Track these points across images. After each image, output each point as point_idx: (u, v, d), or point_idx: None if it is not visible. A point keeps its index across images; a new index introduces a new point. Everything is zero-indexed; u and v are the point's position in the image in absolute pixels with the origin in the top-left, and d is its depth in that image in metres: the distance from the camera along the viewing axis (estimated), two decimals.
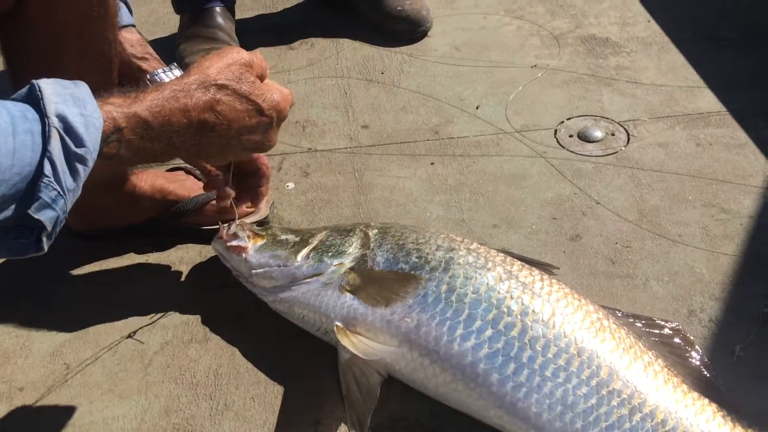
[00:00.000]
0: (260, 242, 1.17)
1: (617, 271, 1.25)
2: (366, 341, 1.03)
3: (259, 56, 0.98)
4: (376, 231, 1.17)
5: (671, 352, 1.05)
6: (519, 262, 1.10)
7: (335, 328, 1.05)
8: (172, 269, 1.30)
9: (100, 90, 0.82)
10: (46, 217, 0.71)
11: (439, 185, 1.47)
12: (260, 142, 0.97)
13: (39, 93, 0.71)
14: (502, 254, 1.12)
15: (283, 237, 1.18)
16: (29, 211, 0.70)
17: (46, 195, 0.70)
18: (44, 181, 0.70)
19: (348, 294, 1.08)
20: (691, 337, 1.09)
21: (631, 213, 1.37)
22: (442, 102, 1.72)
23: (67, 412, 1.07)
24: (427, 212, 1.41)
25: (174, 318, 1.21)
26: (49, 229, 0.72)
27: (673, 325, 1.10)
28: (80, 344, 1.17)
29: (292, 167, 1.55)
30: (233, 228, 1.21)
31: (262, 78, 0.97)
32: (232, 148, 0.95)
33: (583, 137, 1.57)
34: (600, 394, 0.94)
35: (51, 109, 0.71)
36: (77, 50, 1.05)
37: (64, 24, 1.02)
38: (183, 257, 1.32)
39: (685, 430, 0.92)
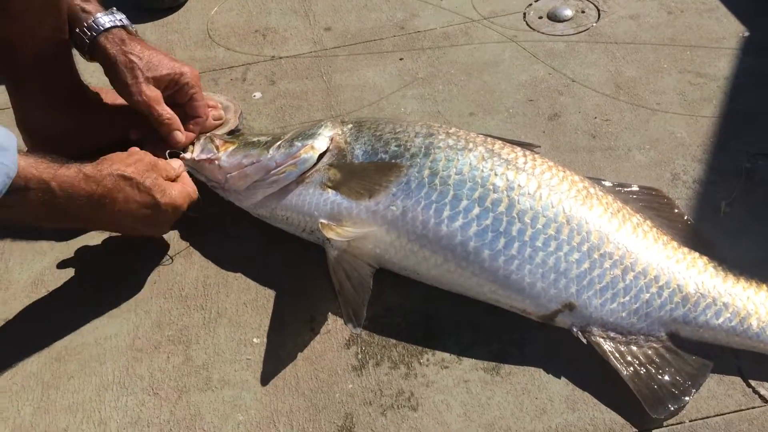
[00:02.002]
0: (231, 147, 1.14)
1: (598, 145, 1.24)
2: (351, 229, 1.01)
3: (164, 161, 1.09)
4: (351, 125, 1.13)
5: (658, 215, 1.05)
6: (500, 141, 1.08)
7: (320, 225, 1.03)
8: None
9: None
10: None
11: (411, 80, 1.43)
12: (148, 232, 1.09)
13: None
14: (482, 135, 1.09)
15: (255, 139, 1.14)
16: None
17: None
18: None
19: (330, 190, 1.06)
20: (676, 200, 1.09)
21: (607, 87, 1.35)
22: None
23: (57, 336, 1.04)
24: (401, 107, 1.38)
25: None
26: None
27: (657, 190, 1.10)
28: (60, 271, 1.13)
29: (257, 77, 1.49)
30: (201, 141, 1.18)
31: (167, 178, 1.06)
32: (121, 229, 1.09)
33: (553, 17, 1.52)
34: (592, 258, 0.94)
35: None
36: None
37: None
38: None
39: (678, 283, 0.93)
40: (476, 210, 0.98)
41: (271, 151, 1.10)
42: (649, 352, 0.91)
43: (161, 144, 1.18)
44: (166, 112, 1.18)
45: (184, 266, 1.13)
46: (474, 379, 0.94)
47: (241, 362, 0.99)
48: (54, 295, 1.10)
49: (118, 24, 1.17)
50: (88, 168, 0.98)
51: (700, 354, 0.91)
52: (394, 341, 0.99)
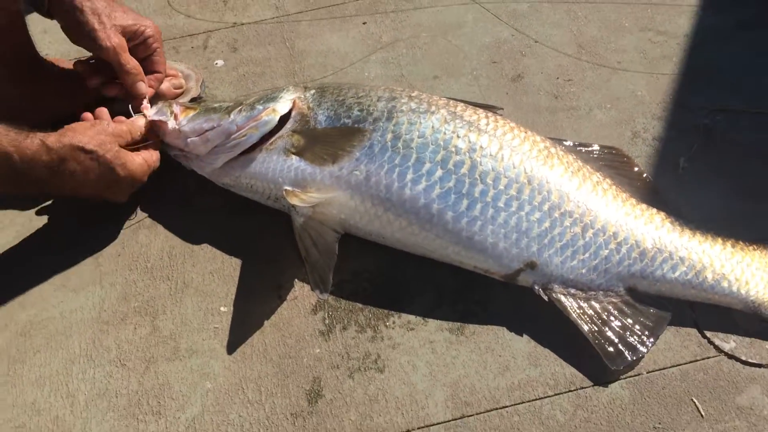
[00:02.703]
0: (192, 113, 1.12)
1: (561, 105, 1.25)
2: (315, 195, 1.01)
3: (129, 123, 1.10)
4: (313, 91, 1.13)
5: (617, 173, 1.06)
6: (463, 104, 1.08)
7: (284, 192, 1.03)
8: None
9: None
10: None
11: (374, 44, 1.42)
12: (107, 197, 1.08)
13: None
14: (445, 98, 1.09)
15: (216, 105, 1.13)
16: None
17: None
18: None
19: (294, 156, 1.06)
20: (635, 158, 1.11)
21: (570, 47, 1.35)
22: None
23: (22, 311, 1.04)
24: (365, 72, 1.37)
25: (116, 207, 1.17)
26: None
27: (617, 149, 1.11)
28: (22, 246, 1.12)
29: (218, 44, 1.47)
30: (158, 105, 1.16)
31: (132, 142, 1.08)
32: (81, 195, 1.06)
33: None
34: (553, 217, 0.96)
35: None
36: None
37: None
38: None
39: (636, 239, 0.95)
40: (439, 172, 0.99)
41: (232, 115, 1.09)
42: (609, 306, 0.93)
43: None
44: (132, 61, 1.15)
45: (149, 237, 1.12)
46: (439, 339, 0.95)
47: (209, 331, 0.99)
48: (17, 270, 1.09)
49: None
50: (51, 139, 0.98)
51: (657, 307, 0.93)
52: (360, 305, 1.00)
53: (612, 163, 1.08)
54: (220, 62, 1.43)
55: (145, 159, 1.09)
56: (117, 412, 0.92)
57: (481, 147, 1.00)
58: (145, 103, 1.16)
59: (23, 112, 1.21)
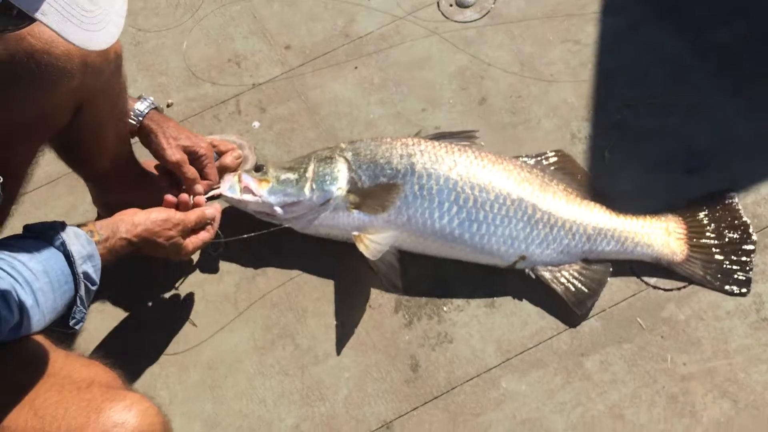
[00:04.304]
0: (267, 186, 1.57)
1: (518, 120, 1.75)
2: (375, 240, 1.51)
3: (195, 215, 1.50)
4: (351, 153, 1.60)
5: (565, 174, 1.60)
6: (458, 147, 1.57)
7: (353, 236, 1.54)
8: None
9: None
10: (77, 325, 1.25)
11: (369, 87, 1.87)
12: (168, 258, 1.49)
13: (72, 257, 1.20)
14: (444, 144, 1.58)
15: (283, 176, 1.57)
16: (70, 323, 1.23)
17: (78, 314, 1.24)
18: (77, 306, 1.23)
19: (354, 211, 1.56)
20: (576, 156, 1.64)
21: (514, 65, 1.83)
22: (338, 0, 2.02)
23: (203, 352, 1.57)
24: (369, 114, 1.83)
25: (233, 265, 1.67)
26: (77, 330, 1.26)
27: (561, 153, 1.63)
28: (185, 304, 1.63)
29: (248, 107, 1.90)
30: (229, 180, 1.60)
31: (190, 227, 1.48)
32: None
33: (461, 4, 1.95)
34: (531, 224, 1.51)
35: (79, 269, 1.22)
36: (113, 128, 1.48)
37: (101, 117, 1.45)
38: None
39: (584, 229, 1.51)
40: (454, 209, 1.51)
41: (307, 193, 1.55)
42: (572, 272, 1.50)
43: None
44: (191, 170, 1.59)
45: (266, 282, 1.64)
46: (480, 314, 1.53)
47: (332, 340, 1.55)
48: (190, 319, 1.61)
49: (152, 107, 1.56)
50: (133, 237, 1.40)
51: (600, 264, 1.51)
52: (424, 300, 1.56)
53: (560, 165, 1.61)
54: (256, 124, 1.87)
55: (194, 242, 1.51)
56: (296, 404, 1.49)
57: (478, 185, 1.52)
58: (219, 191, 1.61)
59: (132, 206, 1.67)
